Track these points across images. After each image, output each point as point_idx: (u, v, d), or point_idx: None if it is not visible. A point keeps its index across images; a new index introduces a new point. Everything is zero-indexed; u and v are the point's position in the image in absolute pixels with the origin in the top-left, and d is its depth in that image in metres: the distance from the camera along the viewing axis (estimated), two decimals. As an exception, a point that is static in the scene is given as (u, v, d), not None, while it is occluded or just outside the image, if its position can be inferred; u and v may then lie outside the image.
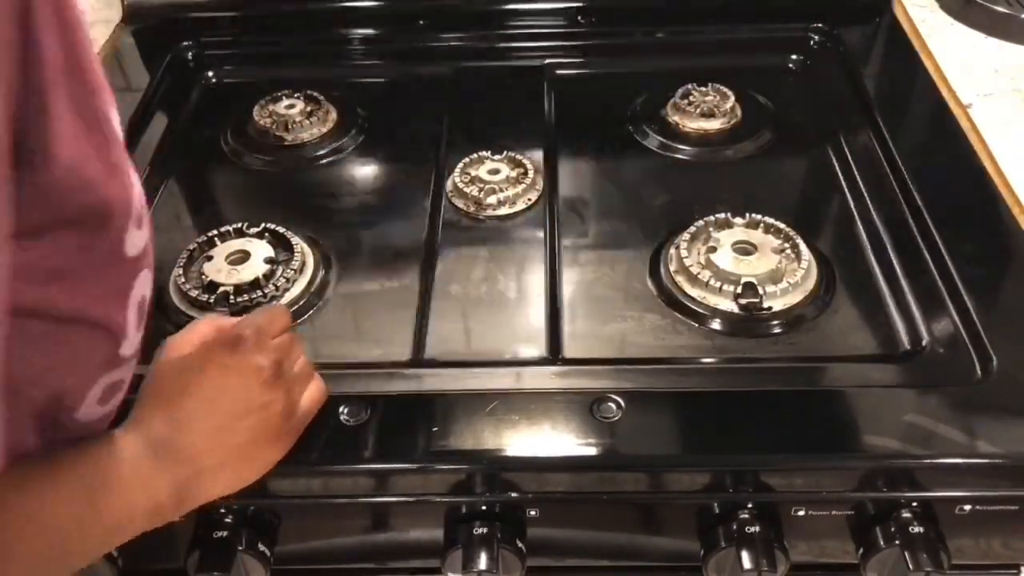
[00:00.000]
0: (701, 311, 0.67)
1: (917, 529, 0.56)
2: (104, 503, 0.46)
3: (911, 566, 0.55)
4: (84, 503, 0.46)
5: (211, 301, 0.68)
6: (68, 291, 0.40)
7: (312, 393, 0.57)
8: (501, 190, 0.78)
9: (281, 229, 0.74)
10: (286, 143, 0.87)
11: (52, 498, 0.44)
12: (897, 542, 0.56)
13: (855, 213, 0.77)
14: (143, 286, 0.45)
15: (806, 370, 0.64)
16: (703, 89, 0.89)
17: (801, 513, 0.58)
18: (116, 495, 0.47)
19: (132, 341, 0.45)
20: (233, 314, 0.64)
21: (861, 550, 0.58)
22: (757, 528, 0.56)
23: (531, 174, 0.80)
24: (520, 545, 0.57)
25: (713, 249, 0.70)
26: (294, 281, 0.70)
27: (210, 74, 1.00)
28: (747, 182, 0.82)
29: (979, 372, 0.61)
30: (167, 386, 0.53)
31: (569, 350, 0.66)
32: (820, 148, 0.85)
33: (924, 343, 0.64)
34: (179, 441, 0.50)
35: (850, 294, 0.69)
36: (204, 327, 0.57)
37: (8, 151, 0.33)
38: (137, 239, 0.43)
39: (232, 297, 0.68)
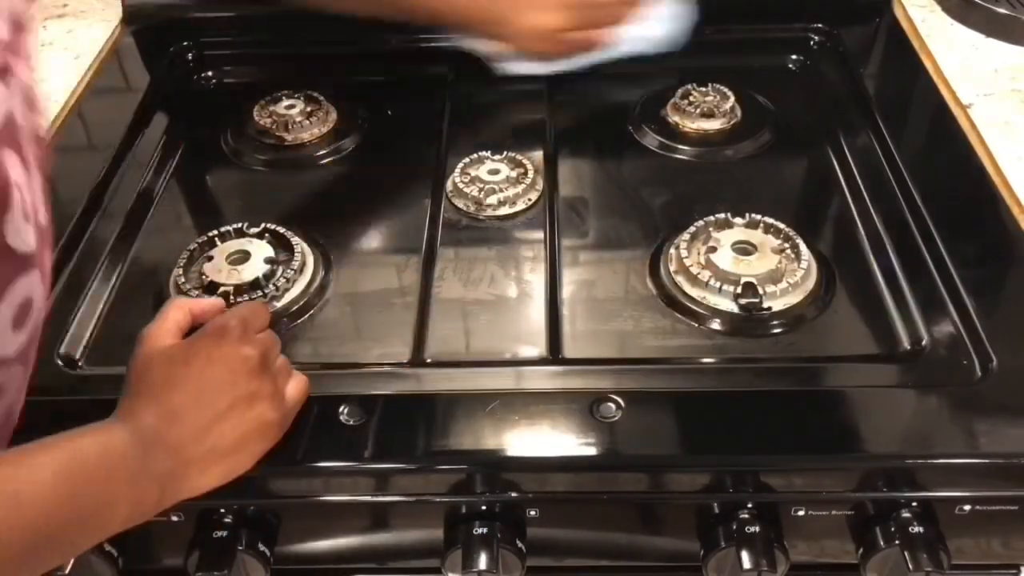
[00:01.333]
0: (701, 311, 0.67)
1: (917, 529, 0.56)
2: (88, 493, 0.46)
3: (911, 566, 0.55)
4: (67, 493, 0.45)
5: (211, 301, 0.68)
6: None
7: (297, 385, 0.57)
8: (501, 190, 0.78)
9: (281, 229, 0.73)
10: (286, 143, 0.87)
11: (37, 488, 0.44)
12: (897, 542, 0.56)
13: (855, 213, 0.77)
14: (29, 289, 0.41)
15: (806, 370, 0.64)
16: (703, 89, 0.89)
17: (801, 513, 0.58)
18: (101, 486, 0.47)
19: (6, 341, 0.42)
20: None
21: (861, 550, 0.58)
22: (757, 528, 0.56)
23: (531, 174, 0.80)
24: (520, 545, 0.57)
25: (713, 249, 0.70)
26: (294, 281, 0.70)
27: (210, 74, 1.00)
28: (747, 182, 0.82)
29: (979, 372, 0.61)
30: (154, 378, 0.53)
31: (569, 350, 0.66)
32: (820, 148, 0.85)
33: (924, 343, 0.64)
34: (168, 434, 0.50)
35: (850, 294, 0.69)
36: (175, 313, 0.57)
37: None
38: (26, 234, 0.39)
39: (232, 297, 0.68)
